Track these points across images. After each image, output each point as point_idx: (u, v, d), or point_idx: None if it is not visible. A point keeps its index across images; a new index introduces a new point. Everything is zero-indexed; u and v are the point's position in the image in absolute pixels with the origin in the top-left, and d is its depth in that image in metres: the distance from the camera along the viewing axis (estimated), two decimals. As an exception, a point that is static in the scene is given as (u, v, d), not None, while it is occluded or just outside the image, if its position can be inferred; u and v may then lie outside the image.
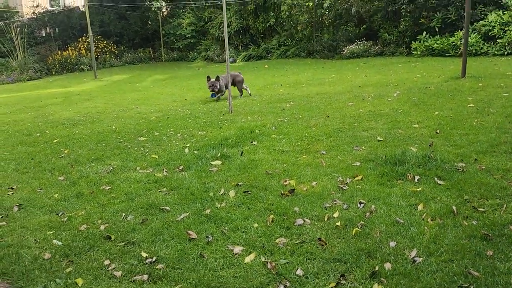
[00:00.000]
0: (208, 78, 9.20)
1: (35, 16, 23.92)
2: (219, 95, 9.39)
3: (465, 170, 4.02)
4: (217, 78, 9.07)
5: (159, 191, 4.18)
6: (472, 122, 5.61)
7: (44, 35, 23.61)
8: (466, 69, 9.23)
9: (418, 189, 3.68)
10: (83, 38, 22.77)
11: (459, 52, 12.49)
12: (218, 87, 9.09)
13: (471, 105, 6.60)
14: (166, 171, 4.74)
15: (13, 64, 20.38)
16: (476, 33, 13.18)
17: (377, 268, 2.56)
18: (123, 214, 3.69)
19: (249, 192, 3.96)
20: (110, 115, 8.67)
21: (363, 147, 5.02)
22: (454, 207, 3.24)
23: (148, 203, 3.90)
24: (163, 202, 3.89)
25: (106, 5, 23.55)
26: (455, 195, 3.50)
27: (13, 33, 20.75)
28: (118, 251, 3.06)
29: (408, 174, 4.00)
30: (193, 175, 4.54)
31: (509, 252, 2.57)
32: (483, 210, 3.19)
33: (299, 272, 2.61)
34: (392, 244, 2.84)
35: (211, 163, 4.90)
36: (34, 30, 23.41)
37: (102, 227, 3.48)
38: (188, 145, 5.76)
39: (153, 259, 2.90)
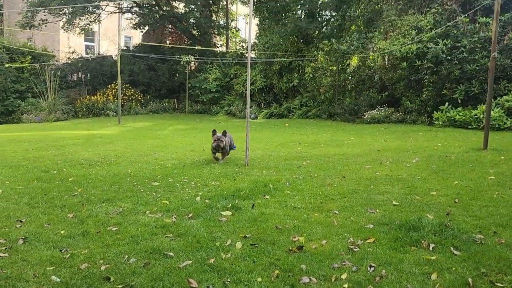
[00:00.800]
0: (214, 132, 7.98)
1: (69, 61, 25.10)
2: (223, 157, 8.17)
3: (483, 242, 3.84)
4: (224, 133, 7.92)
5: (165, 236, 4.10)
6: (493, 195, 5.45)
7: (75, 79, 24.63)
8: (488, 142, 9.13)
9: (432, 258, 3.51)
10: (112, 85, 23.66)
11: (482, 126, 12.42)
12: (224, 143, 7.87)
13: (492, 177, 6.45)
14: (175, 217, 4.68)
15: (43, 105, 21.15)
16: (499, 108, 13.16)
17: (383, 337, 2.39)
18: (126, 256, 3.61)
19: (256, 245, 3.85)
20: (127, 159, 8.77)
21: (377, 210, 4.89)
22: (470, 279, 3.07)
23: (152, 247, 3.82)
24: (167, 247, 3.80)
25: (137, 55, 24.63)
26: (471, 267, 3.32)
27: (47, 76, 21.72)
28: (115, 294, 2.96)
29: (423, 241, 3.84)
30: (202, 224, 4.46)
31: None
32: (501, 285, 3.01)
33: (300, 333, 2.46)
34: (402, 312, 2.67)
35: (221, 213, 4.83)
36: (67, 74, 24.50)
37: (103, 267, 3.39)
38: (200, 193, 5.72)
39: (150, 305, 2.78)
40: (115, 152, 9.64)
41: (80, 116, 21.95)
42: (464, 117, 13.72)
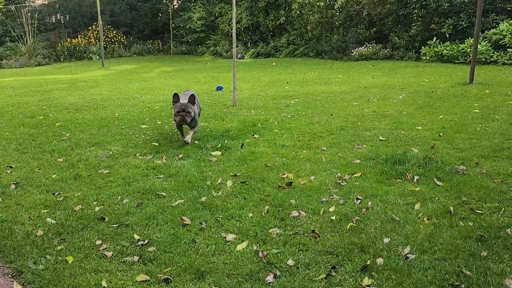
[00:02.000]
0: (176, 97, 5.14)
1: (46, 2, 23.99)
2: (192, 132, 5.29)
3: (465, 173, 3.98)
4: (192, 99, 5.12)
5: (157, 177, 4.17)
6: (476, 127, 5.56)
7: (54, 21, 23.66)
8: (474, 76, 9.17)
9: (416, 189, 3.64)
10: (93, 26, 22.83)
11: (468, 60, 12.40)
12: (192, 114, 5.12)
13: (476, 110, 6.55)
14: (165, 159, 4.72)
15: (22, 49, 20.46)
16: (486, 41, 13.08)
17: (368, 263, 2.53)
18: (119, 197, 3.68)
19: (247, 182, 3.94)
20: (114, 102, 8.67)
21: (364, 146, 4.99)
22: (451, 208, 3.21)
23: (144, 188, 3.89)
24: (159, 188, 3.88)
25: (117, -6, 23.58)
26: (453, 196, 3.46)
27: (24, 18, 20.83)
28: (110, 232, 3.04)
29: (407, 174, 3.96)
30: (192, 164, 4.52)
31: (504, 254, 2.54)
32: (480, 212, 3.15)
33: (290, 262, 2.59)
34: (386, 240, 2.81)
35: (211, 153, 4.88)
36: (44, 16, 23.49)
37: (97, 209, 3.47)
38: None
39: (145, 242, 2.88)
40: (101, 96, 9.51)
41: (62, 60, 21.34)
42: (451, 52, 13.65)
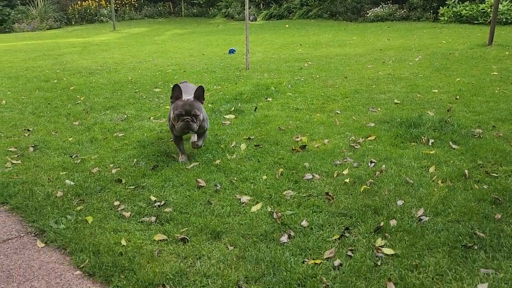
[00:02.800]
0: (177, 90, 3.45)
1: (56, -36, 23.57)
2: (200, 139, 3.74)
3: (481, 136, 3.93)
4: (200, 93, 3.49)
5: (171, 140, 4.20)
6: (494, 90, 5.45)
7: (64, -17, 23.30)
8: (494, 37, 8.90)
9: (431, 152, 3.62)
10: (103, -12, 22.47)
11: (489, 20, 11.99)
12: (200, 117, 3.49)
13: (495, 73, 6.40)
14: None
15: (33, 12, 20.32)
16: (508, 1, 12.60)
17: (382, 224, 2.56)
18: (135, 160, 3.74)
19: (260, 146, 3.96)
20: (126, 66, 8.65)
21: (379, 109, 4.94)
22: (466, 171, 3.19)
23: (159, 151, 3.93)
24: (174, 151, 3.91)
25: (127, -45, 23.08)
26: (468, 160, 3.44)
27: (34, -20, 20.58)
28: (128, 194, 3.11)
29: (422, 137, 3.93)
30: (206, 127, 4.54)
31: (518, 217, 2.54)
32: (496, 175, 3.14)
33: (304, 223, 2.63)
34: (400, 202, 2.83)
35: (225, 116, 4.89)
36: (54, -22, 23.12)
37: (113, 171, 3.53)
38: (202, 98, 5.74)
39: (162, 203, 2.94)
40: (113, 60, 9.49)
41: (73, 23, 21.20)
42: (470, 12, 13.21)
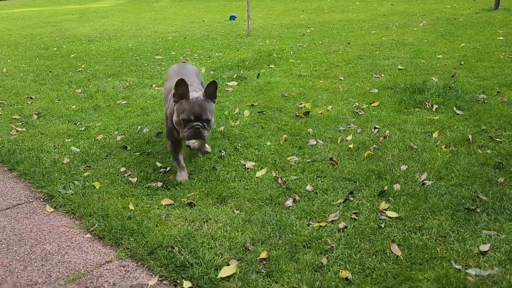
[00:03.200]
0: (182, 87, 2.54)
1: None
2: (202, 146, 3.08)
3: (485, 101, 3.92)
4: (211, 92, 2.63)
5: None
6: (500, 55, 5.39)
7: None
8: (500, 1, 8.73)
9: (435, 118, 3.63)
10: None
11: (494, -16, 11.73)
12: (212, 121, 2.81)
13: (500, 38, 6.31)
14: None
15: (29, -22, 19.88)
16: (515, -37, 12.28)
17: (385, 188, 2.59)
18: (139, 127, 3.75)
19: (264, 112, 3.96)
20: (126, 33, 8.54)
21: (382, 75, 4.91)
22: (470, 136, 3.20)
23: (163, 118, 3.94)
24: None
25: None
26: (472, 125, 3.44)
27: None
28: (133, 160, 3.14)
29: (426, 103, 3.93)
30: (209, 94, 4.52)
31: (520, 180, 2.57)
32: (499, 140, 3.15)
33: (309, 188, 2.66)
34: (403, 167, 2.85)
35: (227, 83, 4.87)
36: None
37: (118, 138, 3.55)
38: (204, 65, 5.70)
39: (167, 169, 2.97)
40: (112, 27, 9.36)
41: (70, -11, 20.78)
42: (477, -24, 12.89)
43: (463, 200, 2.42)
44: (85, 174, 2.96)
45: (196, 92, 2.68)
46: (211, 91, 2.61)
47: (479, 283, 1.78)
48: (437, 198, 2.46)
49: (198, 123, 2.56)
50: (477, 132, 3.31)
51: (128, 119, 3.96)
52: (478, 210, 2.31)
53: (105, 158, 3.20)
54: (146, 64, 5.93)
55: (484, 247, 2.00)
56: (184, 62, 3.04)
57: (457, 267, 1.89)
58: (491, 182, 2.59)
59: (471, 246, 2.03)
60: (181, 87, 2.54)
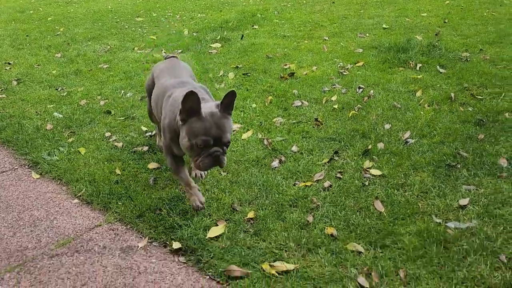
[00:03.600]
0: (192, 101, 1.88)
1: None
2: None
3: (468, 59, 3.95)
4: (229, 104, 1.97)
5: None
6: (483, 12, 5.38)
7: None
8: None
9: (418, 76, 3.65)
10: None
11: None
12: (228, 141, 2.00)
13: (484, -5, 6.28)
14: (164, 52, 4.64)
15: None
16: None
17: (369, 147, 2.63)
18: (122, 91, 3.70)
19: (249, 74, 3.93)
20: (105, -6, 8.27)
21: (367, 34, 4.88)
22: (452, 94, 3.24)
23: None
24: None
25: None
26: (455, 83, 3.48)
27: None
28: (118, 125, 3.12)
29: (410, 62, 3.94)
30: (192, 57, 4.46)
31: (500, 137, 2.63)
32: (480, 97, 3.20)
33: (294, 148, 2.69)
34: (387, 126, 2.89)
35: (211, 45, 4.79)
36: None
37: (102, 102, 3.51)
38: (187, 27, 5.58)
39: (153, 133, 2.97)
40: (90, -12, 9.04)
41: None
42: None
43: (444, 157, 2.48)
44: (70, 140, 2.93)
45: (206, 102, 2.03)
46: (229, 102, 1.95)
47: (458, 236, 1.85)
48: (419, 156, 2.52)
49: (218, 148, 1.94)
50: (459, 90, 3.35)
51: (111, 84, 3.90)
52: (459, 166, 2.37)
53: (89, 124, 3.17)
54: (127, 27, 5.78)
55: (464, 201, 2.07)
56: (173, 57, 2.73)
57: (438, 221, 1.96)
58: (472, 138, 2.65)
59: (451, 201, 2.09)
60: (191, 101, 1.88)
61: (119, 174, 2.50)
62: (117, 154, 2.73)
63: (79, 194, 2.37)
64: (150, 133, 2.97)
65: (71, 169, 2.59)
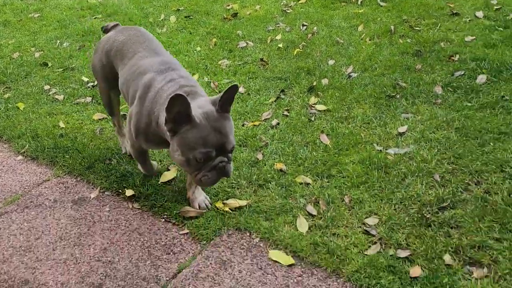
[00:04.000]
0: (181, 103, 1.45)
1: None
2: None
3: (407, -9, 4.00)
4: (229, 100, 1.56)
5: (95, 18, 3.93)
6: None
7: None
8: None
9: (360, 11, 3.68)
10: None
11: None
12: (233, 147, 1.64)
13: None
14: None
15: None
16: None
17: (314, 84, 2.69)
18: (58, 41, 3.51)
19: (191, 17, 3.82)
20: None
21: (309, -30, 4.80)
22: (392, 27, 3.32)
23: (83, 30, 3.69)
24: (99, 28, 3.68)
25: None
26: (394, 16, 3.55)
27: None
28: (57, 77, 2.98)
29: (352, -4, 3.95)
30: (131, 1, 4.25)
31: (436, 65, 2.76)
32: (418, 29, 3.29)
33: (241, 89, 2.70)
34: (331, 62, 2.94)
35: (149, -12, 4.56)
36: None
37: (37, 55, 3.32)
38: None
39: (95, 83, 2.87)
40: None
41: None
42: None
43: (384, 88, 2.58)
44: (6, 95, 2.79)
45: (194, 98, 1.60)
46: (229, 98, 1.56)
47: (397, 160, 1.98)
48: (361, 89, 2.60)
49: (222, 158, 1.57)
50: (399, 22, 3.43)
51: (44, 34, 3.68)
52: (398, 96, 2.48)
53: (25, 77, 3.01)
54: (55, -29, 5.37)
55: (402, 129, 2.20)
56: (117, 24, 2.22)
57: (379, 148, 2.08)
58: (410, 69, 2.76)
59: (391, 129, 2.21)
60: (177, 106, 1.46)
61: (63, 128, 2.43)
62: (59, 107, 2.64)
63: (23, 150, 2.29)
64: (92, 84, 2.87)
65: (11, 125, 2.49)
